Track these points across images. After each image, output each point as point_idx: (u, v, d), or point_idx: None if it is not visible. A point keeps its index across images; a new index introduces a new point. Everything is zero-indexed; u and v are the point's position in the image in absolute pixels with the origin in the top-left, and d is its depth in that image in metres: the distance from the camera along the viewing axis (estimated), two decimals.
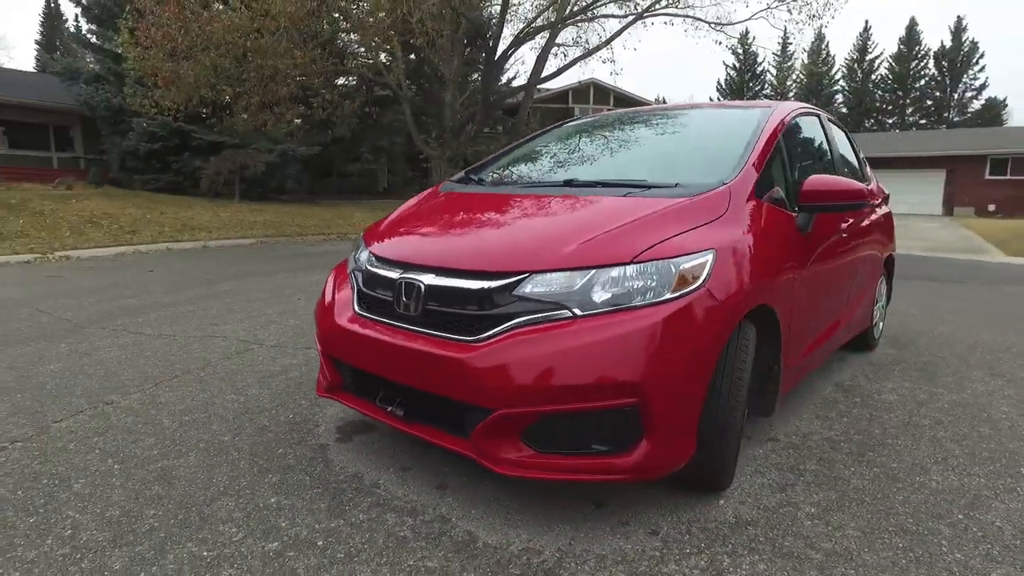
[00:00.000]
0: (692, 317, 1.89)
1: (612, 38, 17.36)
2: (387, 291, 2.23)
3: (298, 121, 16.65)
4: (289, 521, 2.03)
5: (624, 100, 32.34)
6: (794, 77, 44.86)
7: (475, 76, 21.69)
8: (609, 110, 32.35)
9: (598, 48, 17.33)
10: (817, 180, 2.58)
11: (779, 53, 43.89)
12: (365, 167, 27.55)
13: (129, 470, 2.37)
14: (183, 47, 12.63)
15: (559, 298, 1.90)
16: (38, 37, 39.09)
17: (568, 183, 2.66)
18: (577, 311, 1.87)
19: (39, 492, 2.20)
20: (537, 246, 2.05)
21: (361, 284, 2.40)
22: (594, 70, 40.14)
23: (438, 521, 2.04)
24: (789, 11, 17.08)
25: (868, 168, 4.29)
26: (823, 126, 3.45)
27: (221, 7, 13.36)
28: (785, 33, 39.48)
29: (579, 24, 17.81)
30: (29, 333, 4.52)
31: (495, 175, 3.12)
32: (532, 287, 1.92)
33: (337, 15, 12.85)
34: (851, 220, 3.30)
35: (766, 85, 45.41)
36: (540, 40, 17.60)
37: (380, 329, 2.18)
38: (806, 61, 44.70)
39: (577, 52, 17.92)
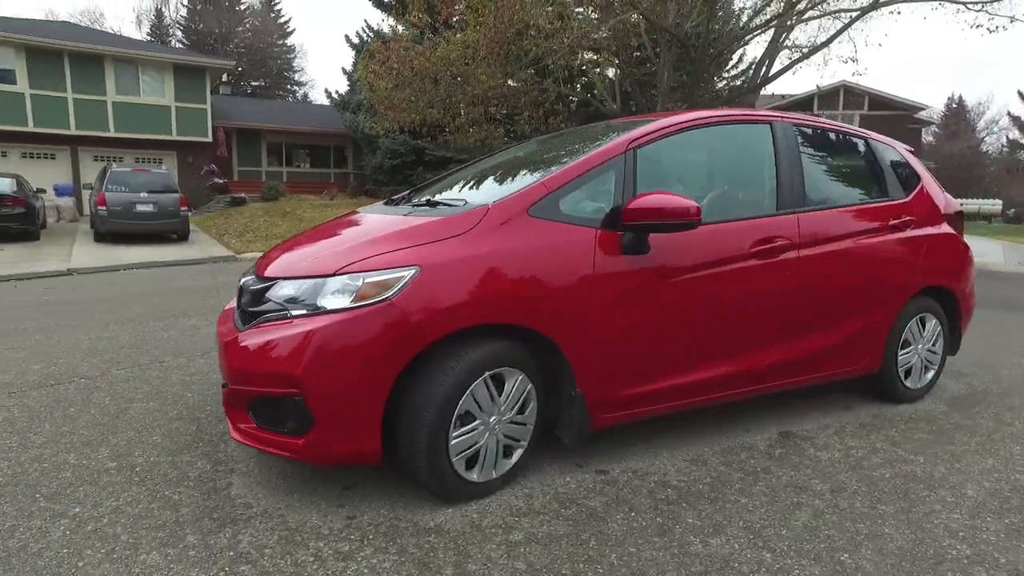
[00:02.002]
0: (366, 327, 2.09)
1: (836, 35, 15.37)
2: None
3: (501, 137, 18.15)
4: (127, 451, 2.73)
5: (881, 103, 27.98)
6: None
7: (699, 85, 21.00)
8: (863, 114, 28.28)
9: (818, 48, 15.50)
10: (640, 199, 2.42)
11: None
12: None
13: (106, 405, 3.35)
14: (400, 78, 14.93)
15: (286, 301, 2.26)
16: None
17: (428, 203, 2.91)
18: (294, 313, 2.22)
19: (43, 408, 3.27)
20: (293, 258, 2.43)
21: None
22: (834, 72, 35.08)
23: (223, 472, 2.55)
24: None
25: (900, 181, 3.50)
26: (773, 137, 3.02)
27: (433, 43, 15.39)
28: None
29: (810, 21, 16.15)
30: (188, 310, 6.17)
31: (410, 196, 3.44)
32: (276, 291, 2.32)
33: (531, 35, 13.77)
34: (785, 240, 2.86)
35: None
36: (761, 44, 16.50)
37: (227, 320, 2.77)
38: None
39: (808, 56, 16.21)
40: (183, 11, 39.77)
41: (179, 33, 39.23)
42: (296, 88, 45.09)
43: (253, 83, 41.95)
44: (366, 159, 23.95)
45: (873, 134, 3.56)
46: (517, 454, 2.46)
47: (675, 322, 2.63)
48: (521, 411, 2.42)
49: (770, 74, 16.84)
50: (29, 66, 16.93)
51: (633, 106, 19.79)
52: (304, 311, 2.20)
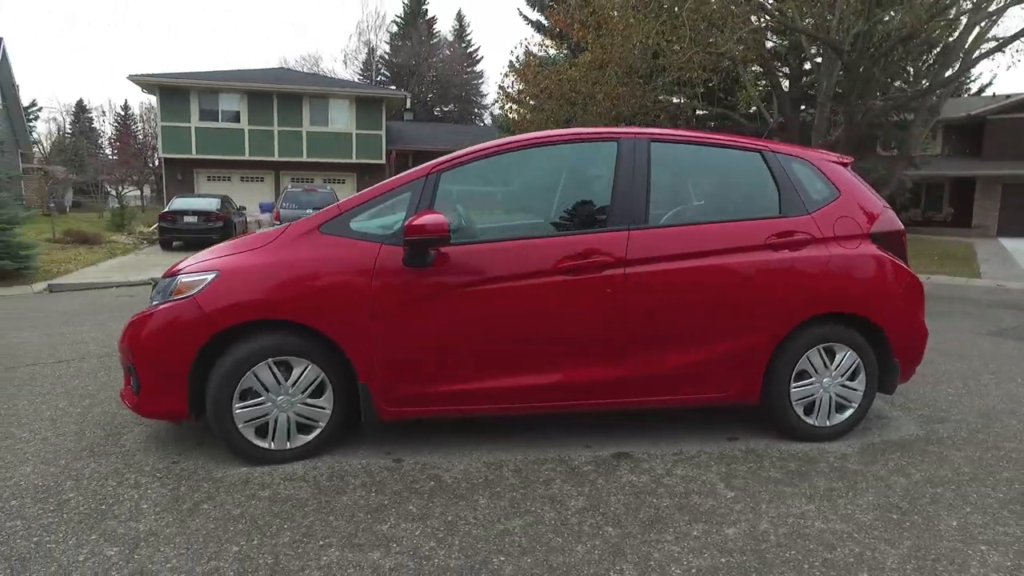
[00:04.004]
0: (174, 316, 2.74)
1: None
2: None
3: None
4: (98, 402, 3.66)
5: None
6: None
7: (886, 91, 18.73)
8: None
9: (1009, 40, 12.96)
10: (414, 218, 2.70)
11: None
12: None
13: (99, 377, 4.41)
14: (533, 100, 15.76)
15: (156, 293, 2.98)
16: None
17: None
18: (153, 302, 2.92)
19: (89, 369, 4.44)
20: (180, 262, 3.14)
21: None
22: None
23: (134, 424, 3.35)
24: None
25: (801, 197, 3.16)
26: (618, 155, 3.02)
27: (563, 64, 15.94)
28: None
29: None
30: None
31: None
32: (157, 287, 3.05)
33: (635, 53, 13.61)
34: (607, 257, 2.87)
35: None
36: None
37: None
38: None
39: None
40: (385, 47, 45.52)
41: (382, 68, 44.90)
42: (481, 112, 48.67)
43: (445, 108, 46.26)
44: None
45: (776, 146, 3.28)
46: (315, 432, 2.88)
47: (465, 330, 2.83)
48: (317, 396, 2.84)
49: (966, 63, 14.40)
50: (249, 107, 21.02)
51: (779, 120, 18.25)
52: (157, 301, 2.90)
